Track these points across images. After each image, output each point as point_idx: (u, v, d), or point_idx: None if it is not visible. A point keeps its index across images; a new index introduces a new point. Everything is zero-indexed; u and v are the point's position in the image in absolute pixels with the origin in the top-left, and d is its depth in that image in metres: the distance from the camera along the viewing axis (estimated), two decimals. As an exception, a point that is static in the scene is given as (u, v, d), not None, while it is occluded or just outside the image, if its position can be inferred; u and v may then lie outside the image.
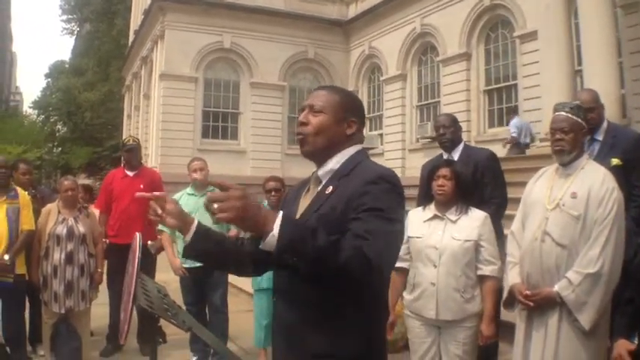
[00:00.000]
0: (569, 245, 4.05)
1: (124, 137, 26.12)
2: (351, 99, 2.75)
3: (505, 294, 4.51)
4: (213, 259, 2.73)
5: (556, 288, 4.04)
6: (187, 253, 2.59)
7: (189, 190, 7.46)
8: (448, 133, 6.31)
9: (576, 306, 3.97)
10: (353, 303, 2.40)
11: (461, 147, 6.33)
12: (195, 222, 2.61)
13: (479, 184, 5.94)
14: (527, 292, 4.21)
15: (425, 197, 5.04)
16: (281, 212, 2.14)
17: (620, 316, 3.84)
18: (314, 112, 2.63)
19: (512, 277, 4.42)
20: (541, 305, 4.14)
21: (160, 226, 7.47)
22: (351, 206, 2.39)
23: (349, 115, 2.67)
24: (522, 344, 4.34)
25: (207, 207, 2.06)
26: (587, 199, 4.04)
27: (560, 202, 4.15)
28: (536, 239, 4.20)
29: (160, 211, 2.50)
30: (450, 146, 6.32)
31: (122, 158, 8.61)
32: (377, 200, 2.36)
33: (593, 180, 4.11)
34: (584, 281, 3.93)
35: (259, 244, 2.16)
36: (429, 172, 4.96)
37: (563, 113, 4.35)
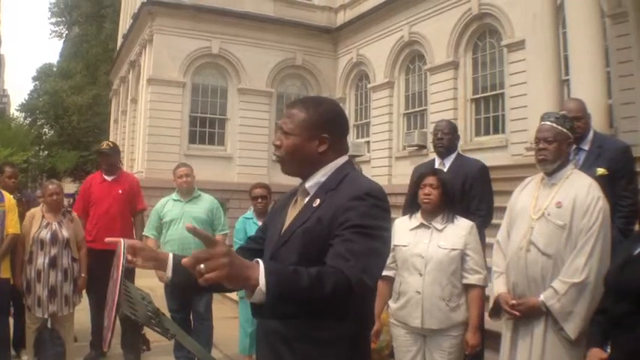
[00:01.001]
0: (554, 255, 4.07)
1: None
2: (320, 114, 2.65)
3: (491, 303, 4.52)
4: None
5: (541, 297, 4.06)
6: (174, 285, 2.64)
7: (174, 195, 7.46)
8: (445, 139, 6.41)
9: (562, 315, 4.00)
10: (338, 313, 2.36)
11: (454, 156, 6.42)
12: (170, 257, 2.67)
13: (467, 194, 5.98)
14: (513, 302, 4.22)
15: (411, 205, 5.03)
16: (261, 263, 2.07)
17: (593, 326, 3.85)
18: (284, 133, 2.62)
19: (498, 287, 4.43)
20: (527, 315, 4.15)
21: (144, 232, 7.46)
22: (337, 220, 2.39)
23: (319, 132, 2.61)
24: (508, 353, 4.34)
25: (192, 268, 1.98)
26: (573, 209, 4.07)
27: (545, 212, 4.18)
28: (522, 249, 4.22)
29: (130, 258, 2.55)
30: (444, 152, 6.42)
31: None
32: (361, 217, 2.36)
33: (579, 189, 4.14)
34: (569, 291, 3.95)
35: None
36: (416, 180, 4.96)
37: (547, 123, 4.39)
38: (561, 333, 4.02)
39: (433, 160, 6.63)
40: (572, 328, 3.97)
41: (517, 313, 4.20)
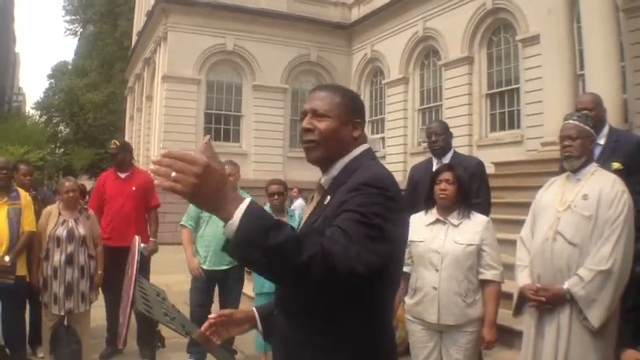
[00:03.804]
0: (580, 244, 4.12)
1: (125, 139, 26.07)
2: (352, 98, 2.52)
3: (515, 299, 4.52)
4: None
5: (566, 285, 4.10)
6: (267, 338, 2.62)
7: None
8: (440, 140, 6.59)
9: (586, 303, 4.03)
10: (356, 316, 2.24)
11: (450, 154, 6.59)
12: (255, 311, 2.63)
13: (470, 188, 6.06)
14: (538, 285, 4.26)
15: (427, 200, 5.02)
16: (248, 200, 1.92)
17: (625, 325, 3.85)
18: (318, 116, 2.44)
19: (522, 279, 4.46)
20: (551, 302, 4.19)
21: (182, 221, 7.41)
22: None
23: (353, 117, 2.47)
24: (533, 343, 4.35)
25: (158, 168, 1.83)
26: (599, 201, 4.14)
27: (571, 204, 4.25)
28: (548, 239, 4.27)
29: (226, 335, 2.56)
30: (441, 153, 6.58)
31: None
32: (356, 204, 2.13)
33: (604, 184, 4.22)
34: (595, 278, 4.00)
35: None
36: (432, 176, 4.96)
37: (571, 121, 4.50)
38: (585, 323, 4.04)
39: (431, 159, 6.77)
40: (595, 317, 4.00)
41: (542, 299, 4.21)
